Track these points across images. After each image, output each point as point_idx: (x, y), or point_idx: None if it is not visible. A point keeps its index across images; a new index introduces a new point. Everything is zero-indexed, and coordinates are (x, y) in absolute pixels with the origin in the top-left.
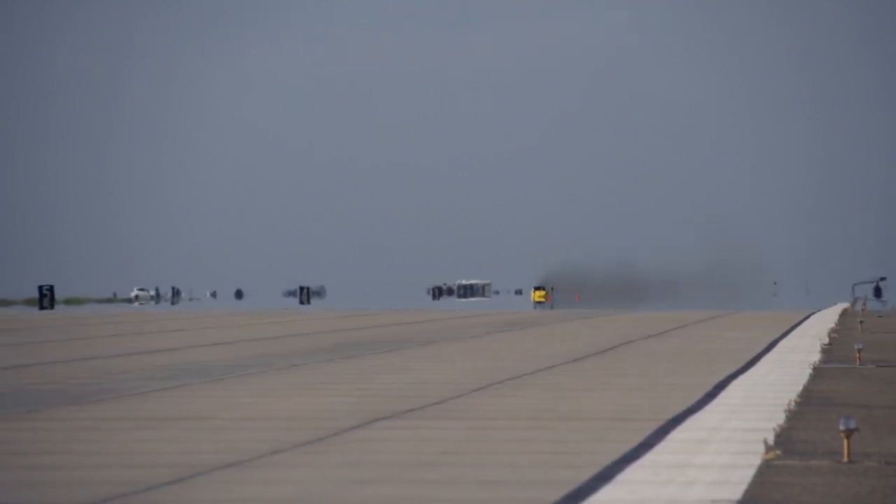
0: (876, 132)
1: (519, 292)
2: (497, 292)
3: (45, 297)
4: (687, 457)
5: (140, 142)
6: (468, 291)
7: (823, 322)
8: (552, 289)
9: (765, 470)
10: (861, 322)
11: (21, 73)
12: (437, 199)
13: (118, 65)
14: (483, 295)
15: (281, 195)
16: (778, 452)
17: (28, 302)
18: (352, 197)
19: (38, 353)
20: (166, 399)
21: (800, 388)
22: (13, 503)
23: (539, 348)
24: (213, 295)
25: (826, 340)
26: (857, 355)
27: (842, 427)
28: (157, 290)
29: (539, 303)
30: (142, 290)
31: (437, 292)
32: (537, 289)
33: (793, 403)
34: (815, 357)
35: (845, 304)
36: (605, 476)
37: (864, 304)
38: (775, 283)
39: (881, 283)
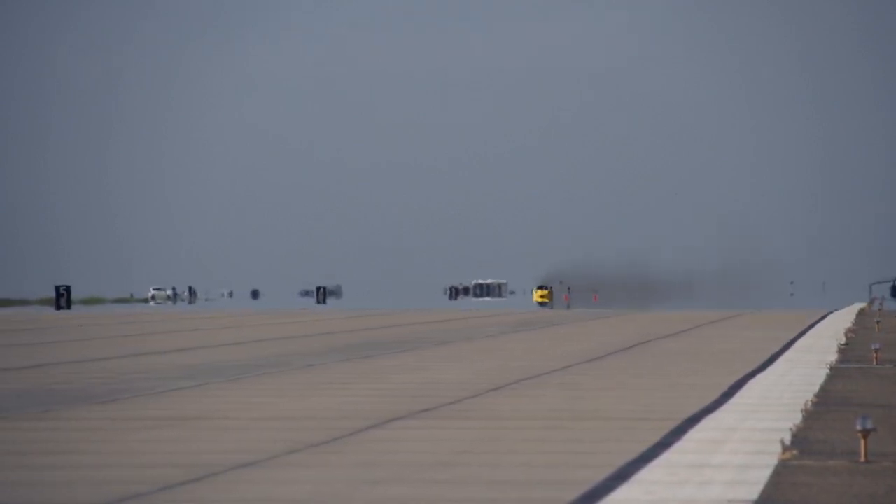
0: (887, 131)
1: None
2: (513, 292)
3: (62, 298)
4: (703, 457)
5: (140, 142)
6: (484, 291)
7: (840, 322)
8: (569, 289)
9: (781, 470)
10: (878, 322)
11: (21, 73)
12: (437, 199)
13: (118, 65)
14: (499, 295)
15: (281, 195)
16: (794, 452)
17: (44, 302)
18: (352, 197)
19: (54, 353)
20: (182, 399)
21: (816, 387)
22: (29, 502)
23: (555, 348)
24: (230, 295)
25: (843, 340)
26: (874, 355)
27: (859, 427)
28: (173, 289)
29: (541, 303)
30: (158, 289)
31: (454, 292)
32: (539, 288)
33: (809, 403)
34: (832, 357)
35: (862, 304)
36: (621, 476)
37: (880, 303)
38: (792, 283)
39: None
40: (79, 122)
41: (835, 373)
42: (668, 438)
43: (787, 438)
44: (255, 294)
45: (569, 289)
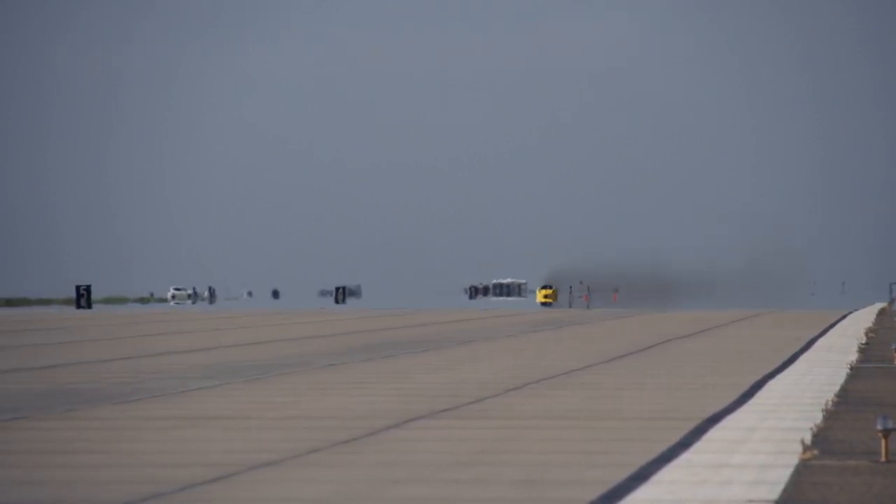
0: None
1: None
2: (533, 291)
3: (83, 297)
4: (724, 456)
5: (140, 142)
6: (504, 291)
7: (860, 321)
8: (588, 288)
9: (802, 470)
10: None
11: (21, 73)
12: (438, 198)
13: (118, 65)
14: (519, 294)
15: (281, 195)
16: (815, 452)
17: (65, 301)
18: (352, 197)
19: (75, 352)
20: (203, 399)
21: (837, 387)
22: (54, 501)
23: (575, 348)
24: (250, 295)
25: (863, 340)
26: (895, 355)
27: (879, 427)
28: (194, 289)
29: (545, 303)
30: (179, 289)
31: (473, 292)
32: (543, 288)
33: (830, 403)
34: (853, 357)
35: (882, 304)
36: (641, 475)
37: None
38: (813, 283)
39: None
40: (79, 122)
41: (855, 372)
42: (688, 438)
43: (808, 438)
44: (275, 294)
45: (588, 288)
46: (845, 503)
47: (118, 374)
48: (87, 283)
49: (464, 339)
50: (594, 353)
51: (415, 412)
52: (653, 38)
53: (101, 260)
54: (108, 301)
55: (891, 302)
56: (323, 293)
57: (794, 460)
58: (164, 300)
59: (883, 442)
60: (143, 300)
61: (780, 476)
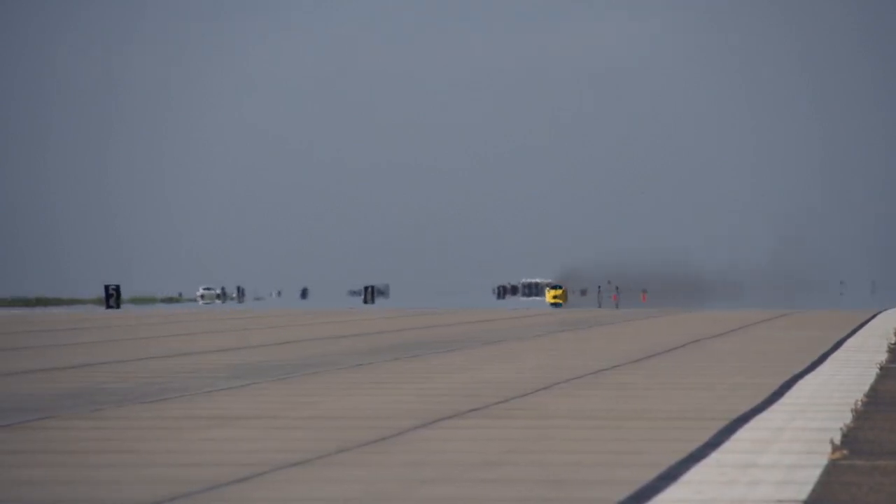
0: None
1: (584, 292)
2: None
3: (111, 297)
4: (752, 456)
5: (140, 142)
6: (532, 290)
7: (890, 321)
8: (617, 288)
9: (831, 470)
10: None
11: (21, 73)
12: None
13: (118, 65)
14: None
15: (281, 195)
16: (844, 452)
17: (94, 301)
18: (354, 197)
19: (104, 352)
20: (231, 398)
21: (866, 387)
22: (80, 500)
23: (604, 347)
24: (279, 294)
25: (893, 340)
26: None
27: None
28: (222, 289)
29: (554, 304)
30: (208, 289)
31: (502, 291)
32: (552, 288)
33: (859, 403)
34: (882, 357)
35: None
36: (669, 476)
37: None
38: (842, 283)
39: None
40: (79, 122)
41: (885, 372)
42: (716, 438)
43: (837, 438)
44: (303, 293)
45: (617, 288)
46: (875, 503)
47: (146, 373)
48: (116, 283)
49: (492, 339)
50: (622, 353)
51: (442, 412)
52: (653, 38)
53: (99, 260)
54: (136, 301)
55: None
56: (352, 293)
57: (823, 460)
58: (193, 300)
59: None
60: (171, 300)
61: (809, 476)
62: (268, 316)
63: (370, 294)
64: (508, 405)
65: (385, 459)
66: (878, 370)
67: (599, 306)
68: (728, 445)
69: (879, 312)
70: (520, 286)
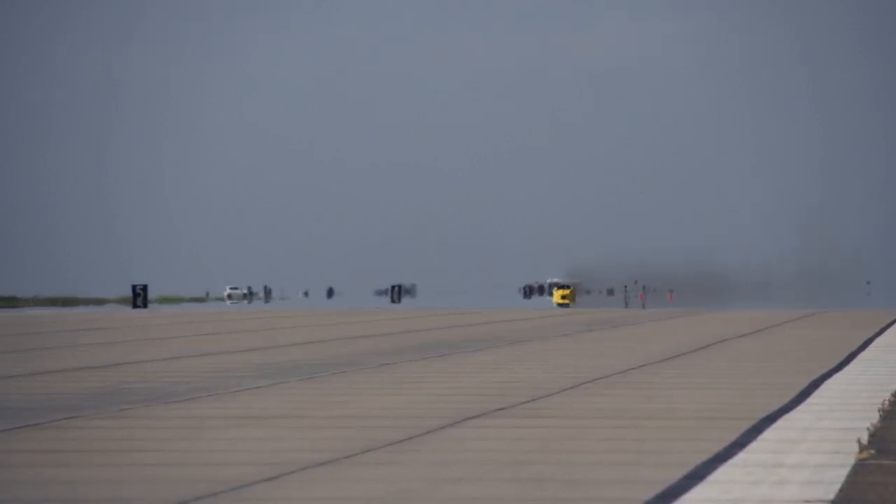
0: None
1: (611, 292)
2: (588, 292)
3: (139, 297)
4: (779, 456)
5: (140, 142)
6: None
7: None
8: (644, 287)
9: (858, 470)
10: None
11: (21, 73)
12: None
13: (118, 65)
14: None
15: (281, 195)
16: (872, 452)
17: (121, 301)
18: (352, 197)
19: (131, 351)
20: (258, 398)
21: (894, 387)
22: (106, 500)
23: (630, 347)
24: (305, 294)
25: None
26: None
27: None
28: (249, 289)
29: (561, 304)
30: (234, 289)
31: (528, 291)
32: (560, 287)
33: (887, 403)
34: None
35: None
36: (696, 475)
37: None
38: (868, 283)
39: None
40: (79, 123)
41: None
42: (743, 438)
43: (865, 438)
44: (329, 293)
45: (644, 288)
46: None
47: (173, 372)
48: (144, 283)
49: (518, 339)
50: (649, 353)
51: (469, 411)
52: (653, 38)
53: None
54: (163, 300)
55: None
56: (378, 293)
57: (850, 460)
58: (221, 299)
59: None
60: (198, 300)
61: (836, 476)
62: (294, 316)
63: (397, 294)
64: (535, 405)
65: (411, 459)
66: None
67: (626, 306)
68: (755, 445)
69: None
70: (546, 286)
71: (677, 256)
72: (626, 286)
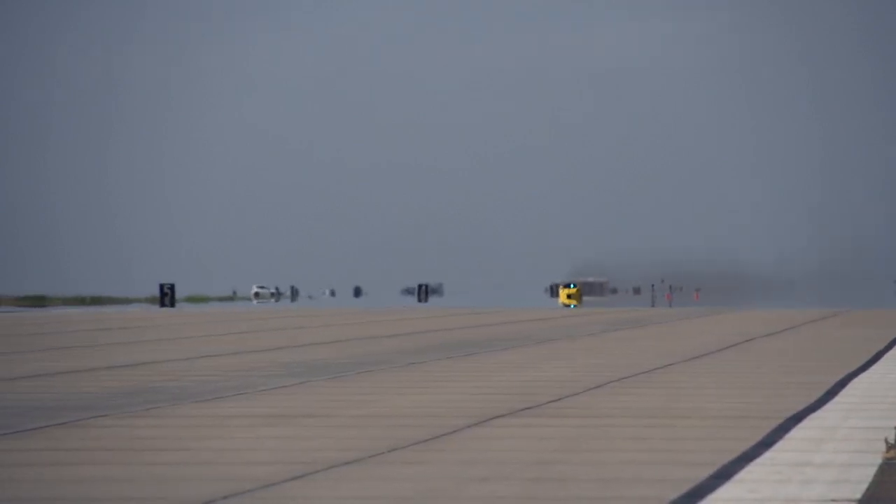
0: None
1: (637, 290)
2: (615, 290)
3: (166, 296)
4: (806, 455)
5: (140, 142)
6: (585, 289)
7: None
8: (670, 287)
9: (885, 469)
10: None
11: (21, 73)
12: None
13: (118, 65)
14: (600, 293)
15: (281, 195)
16: None
17: (149, 300)
18: (352, 197)
19: (159, 350)
20: (285, 396)
21: None
22: (135, 498)
23: (656, 346)
24: (332, 293)
25: None
26: None
27: None
28: (276, 288)
29: (567, 304)
30: (262, 288)
31: (555, 289)
32: (566, 287)
33: None
34: None
35: None
36: (723, 474)
37: None
38: (895, 282)
39: None
40: (79, 123)
41: None
42: (770, 437)
43: (892, 437)
44: (356, 292)
45: (670, 287)
46: None
47: (201, 371)
48: (171, 282)
49: (544, 338)
50: (675, 352)
51: (495, 410)
52: (653, 38)
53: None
54: (190, 300)
55: None
56: (405, 291)
57: (877, 459)
58: (248, 299)
59: None
60: (225, 299)
61: (863, 475)
62: (321, 315)
63: (423, 293)
64: (562, 404)
65: (438, 458)
66: None
67: (653, 305)
68: (782, 444)
69: None
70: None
71: (701, 255)
72: (653, 285)
